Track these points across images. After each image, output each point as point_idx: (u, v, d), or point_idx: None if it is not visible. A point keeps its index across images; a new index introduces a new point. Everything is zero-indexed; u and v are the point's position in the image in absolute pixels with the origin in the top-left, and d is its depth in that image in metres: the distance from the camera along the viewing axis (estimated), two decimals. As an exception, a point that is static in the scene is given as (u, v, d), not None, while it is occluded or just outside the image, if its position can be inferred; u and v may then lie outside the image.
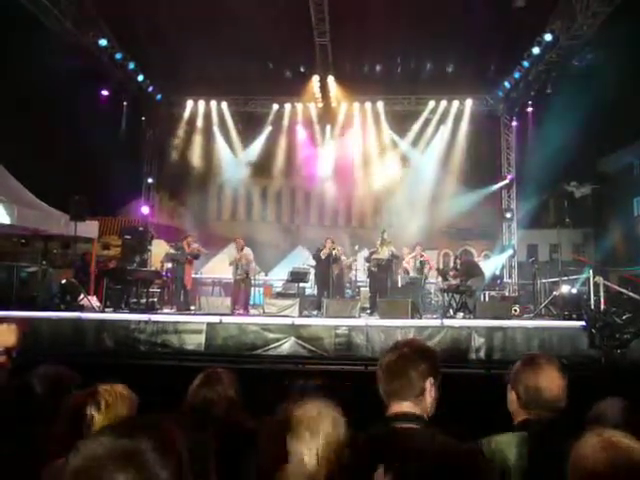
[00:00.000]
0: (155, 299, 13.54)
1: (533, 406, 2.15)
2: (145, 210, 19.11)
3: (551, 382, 2.17)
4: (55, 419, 2.18)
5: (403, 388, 2.11)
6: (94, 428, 2.10)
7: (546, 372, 2.22)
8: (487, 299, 14.58)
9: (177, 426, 1.20)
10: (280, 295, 13.63)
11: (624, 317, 8.04)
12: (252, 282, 13.60)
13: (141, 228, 16.25)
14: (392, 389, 2.13)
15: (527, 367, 2.27)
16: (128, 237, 14.20)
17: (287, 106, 19.06)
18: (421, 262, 13.37)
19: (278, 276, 17.57)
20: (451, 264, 13.31)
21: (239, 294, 13.00)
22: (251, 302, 13.60)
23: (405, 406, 2.09)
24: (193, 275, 13.76)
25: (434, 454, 1.63)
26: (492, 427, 2.26)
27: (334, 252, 13.04)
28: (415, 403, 2.09)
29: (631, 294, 11.76)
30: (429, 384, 2.12)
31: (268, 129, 19.49)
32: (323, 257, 12.92)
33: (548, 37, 14.17)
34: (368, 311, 12.41)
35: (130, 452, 1.04)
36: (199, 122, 19.25)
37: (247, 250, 13.23)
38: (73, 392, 2.41)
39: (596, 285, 10.77)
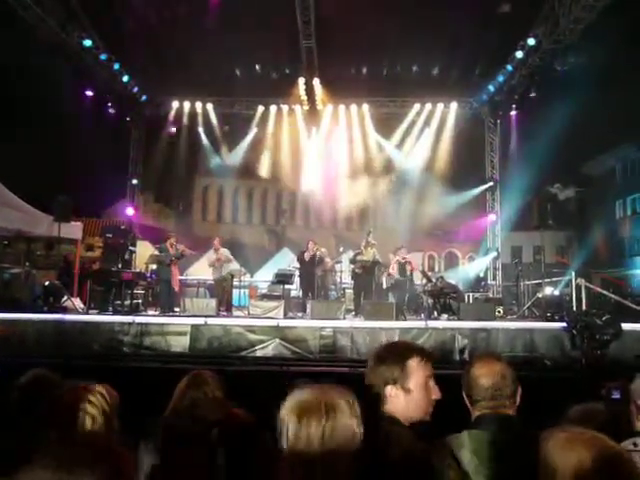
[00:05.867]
0: (140, 301, 13.46)
1: (478, 397, 2.18)
2: (130, 211, 18.97)
3: (486, 369, 2.21)
4: (39, 422, 2.18)
5: None
6: (91, 423, 2.12)
7: (482, 362, 2.26)
8: (471, 301, 14.67)
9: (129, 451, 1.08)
10: (265, 297, 13.59)
11: (604, 318, 8.15)
12: (234, 282, 13.54)
13: (123, 227, 16.10)
14: None
15: (468, 364, 2.32)
16: (109, 236, 14.01)
17: (273, 108, 19.05)
18: (403, 263, 13.41)
19: (263, 278, 17.56)
20: (433, 279, 13.42)
21: (222, 295, 12.99)
22: (236, 304, 13.57)
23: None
24: (178, 277, 13.69)
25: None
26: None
27: (318, 253, 13.08)
28: None
29: (612, 295, 11.93)
30: None
31: (254, 131, 19.45)
32: (307, 259, 12.94)
33: (531, 42, 14.34)
34: (353, 313, 12.43)
35: None
36: (184, 123, 19.15)
37: (224, 250, 13.22)
38: (63, 390, 2.40)
39: (578, 287, 10.90)
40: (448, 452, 2.02)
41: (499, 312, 12.13)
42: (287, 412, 1.58)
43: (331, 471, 1.49)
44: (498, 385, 2.16)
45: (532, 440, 1.61)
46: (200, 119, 19.19)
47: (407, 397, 2.07)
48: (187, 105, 18.96)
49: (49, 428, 2.07)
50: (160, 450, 2.50)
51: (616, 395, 2.89)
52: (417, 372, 2.09)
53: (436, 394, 2.12)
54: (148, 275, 13.86)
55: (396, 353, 2.14)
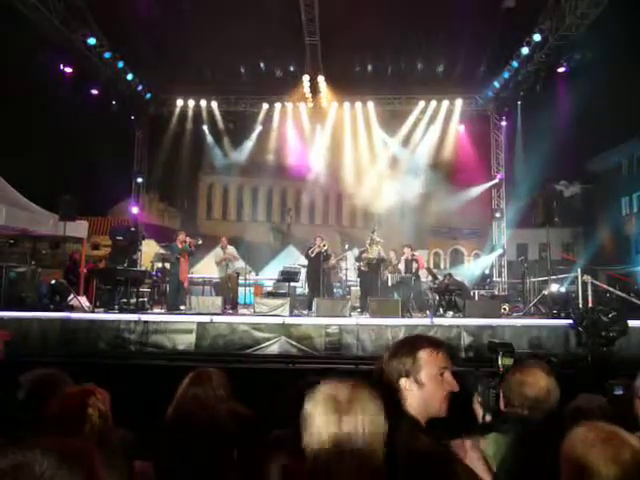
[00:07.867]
0: (145, 299, 13.48)
1: (517, 402, 2.19)
2: (135, 210, 18.98)
3: (534, 379, 2.22)
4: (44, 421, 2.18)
5: None
6: (91, 424, 2.13)
7: (532, 370, 2.27)
8: (477, 298, 14.64)
9: None
10: (271, 294, 13.61)
11: (610, 315, 8.12)
12: (239, 280, 13.60)
13: (133, 229, 16.12)
14: None
15: (515, 366, 2.33)
16: (120, 238, 14.00)
17: (277, 106, 18.98)
18: (410, 260, 13.37)
19: (269, 275, 17.57)
20: (439, 276, 13.41)
21: (228, 293, 13.03)
22: (242, 302, 13.59)
23: None
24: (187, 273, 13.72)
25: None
26: (479, 425, 2.29)
27: (324, 250, 13.07)
28: None
29: (618, 292, 11.87)
30: None
31: (258, 129, 19.42)
32: (313, 255, 12.94)
33: (537, 37, 14.24)
34: (359, 310, 12.42)
35: None
36: (189, 121, 19.13)
37: (231, 248, 13.32)
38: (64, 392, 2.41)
39: (584, 284, 10.85)
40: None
41: (505, 309, 12.12)
42: (314, 407, 1.52)
43: (358, 471, 1.43)
44: (540, 399, 2.18)
45: (555, 442, 1.61)
46: (205, 117, 19.17)
47: (421, 390, 2.01)
48: (191, 103, 18.92)
49: (50, 429, 2.08)
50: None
51: (618, 391, 2.90)
52: (428, 363, 2.02)
53: (451, 386, 2.03)
54: (154, 273, 13.89)
55: (407, 345, 2.10)
